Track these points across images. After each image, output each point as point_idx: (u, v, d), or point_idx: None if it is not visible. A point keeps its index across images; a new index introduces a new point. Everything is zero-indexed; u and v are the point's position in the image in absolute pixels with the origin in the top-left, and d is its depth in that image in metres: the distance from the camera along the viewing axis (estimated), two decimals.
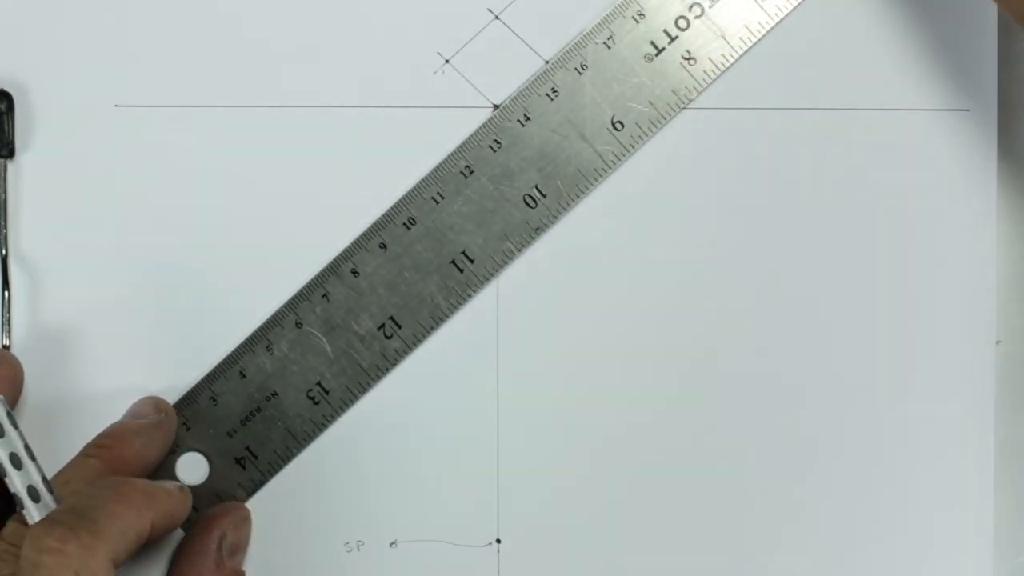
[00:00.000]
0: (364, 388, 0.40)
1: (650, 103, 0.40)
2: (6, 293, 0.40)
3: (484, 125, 0.40)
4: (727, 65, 0.40)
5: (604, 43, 0.40)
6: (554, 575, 0.41)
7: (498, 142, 0.40)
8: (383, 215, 0.40)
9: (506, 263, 0.40)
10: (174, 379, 0.40)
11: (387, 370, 0.40)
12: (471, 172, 0.40)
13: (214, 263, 0.40)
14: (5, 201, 0.40)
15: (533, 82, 0.40)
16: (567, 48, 0.40)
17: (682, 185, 0.41)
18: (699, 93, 0.40)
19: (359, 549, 0.40)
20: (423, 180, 0.40)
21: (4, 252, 0.40)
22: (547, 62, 0.41)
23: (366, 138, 0.41)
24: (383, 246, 0.40)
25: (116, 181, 0.41)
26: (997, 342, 0.41)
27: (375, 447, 0.41)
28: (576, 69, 0.40)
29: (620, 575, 0.41)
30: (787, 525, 0.41)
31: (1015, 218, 0.42)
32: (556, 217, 0.40)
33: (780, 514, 0.41)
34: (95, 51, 0.41)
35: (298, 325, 0.40)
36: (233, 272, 0.40)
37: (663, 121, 0.40)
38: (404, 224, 0.40)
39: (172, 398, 0.40)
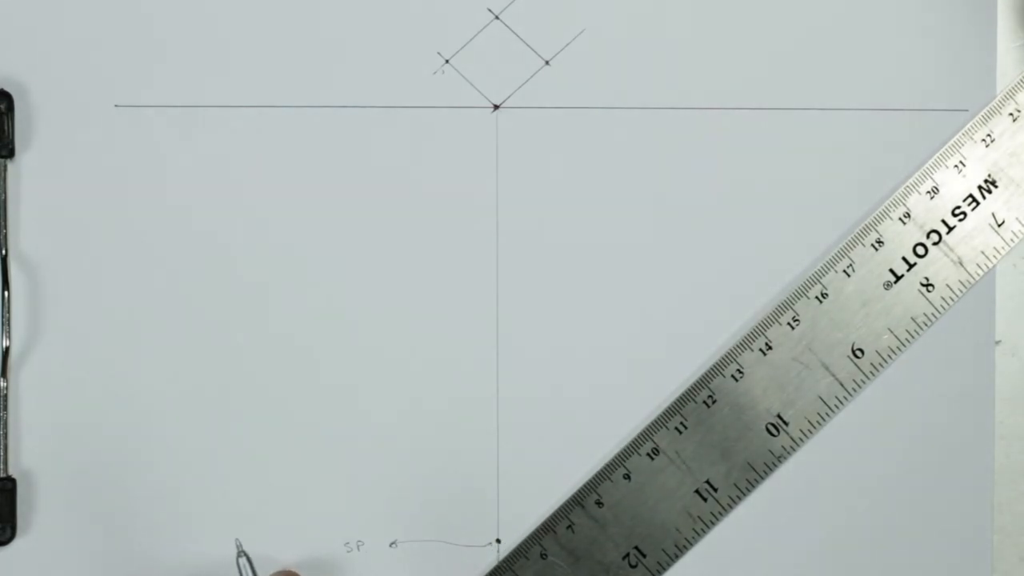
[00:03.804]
0: None
1: (889, 330, 0.40)
2: (6, 293, 0.40)
3: (726, 355, 0.40)
4: (964, 292, 0.41)
5: (844, 271, 0.40)
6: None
7: (740, 371, 0.40)
8: (627, 445, 0.40)
9: (750, 491, 0.40)
10: None
11: None
12: (714, 401, 0.40)
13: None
14: (5, 201, 0.40)
15: (773, 311, 0.40)
16: (807, 276, 0.41)
17: (682, 184, 0.41)
18: (937, 319, 0.40)
19: (359, 549, 0.40)
20: (666, 411, 0.40)
21: (4, 252, 0.40)
22: (547, 62, 0.41)
23: (366, 138, 0.41)
24: (627, 476, 0.40)
25: (116, 181, 0.40)
26: (997, 342, 0.41)
27: (375, 447, 0.41)
28: (817, 298, 0.40)
29: None
30: (785, 525, 0.41)
31: None
32: (798, 445, 0.40)
33: (778, 514, 0.41)
34: (95, 51, 0.40)
35: (543, 556, 0.40)
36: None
37: (903, 348, 0.40)
38: (648, 455, 0.40)
39: None
